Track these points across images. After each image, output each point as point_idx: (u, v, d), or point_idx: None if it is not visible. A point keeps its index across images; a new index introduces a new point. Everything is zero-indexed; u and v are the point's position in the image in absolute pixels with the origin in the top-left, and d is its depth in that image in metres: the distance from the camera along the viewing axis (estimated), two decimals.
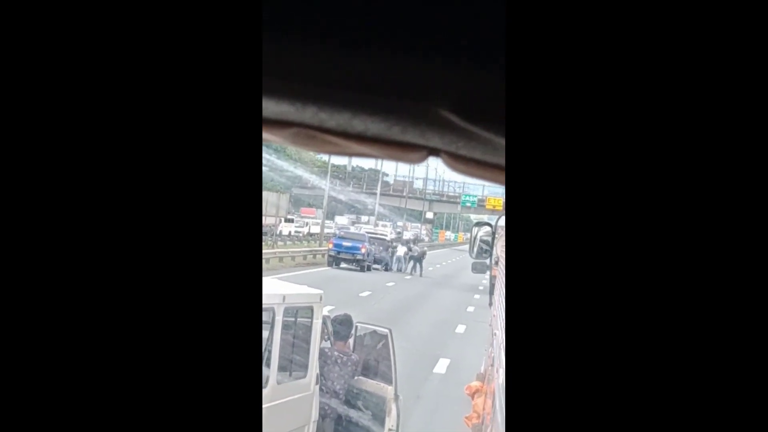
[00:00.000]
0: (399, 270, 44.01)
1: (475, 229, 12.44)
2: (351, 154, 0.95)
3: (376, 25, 0.81)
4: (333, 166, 66.47)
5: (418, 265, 43.56)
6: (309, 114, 0.88)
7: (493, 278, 11.65)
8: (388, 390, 7.52)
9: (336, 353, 7.51)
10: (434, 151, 0.91)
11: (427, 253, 49.15)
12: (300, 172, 66.21)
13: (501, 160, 0.87)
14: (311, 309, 7.05)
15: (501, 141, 0.84)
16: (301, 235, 54.84)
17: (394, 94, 0.86)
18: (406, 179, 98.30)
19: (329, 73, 0.84)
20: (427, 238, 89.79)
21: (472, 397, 6.96)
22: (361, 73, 0.84)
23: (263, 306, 5.17)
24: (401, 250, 45.08)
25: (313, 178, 71.54)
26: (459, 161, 0.91)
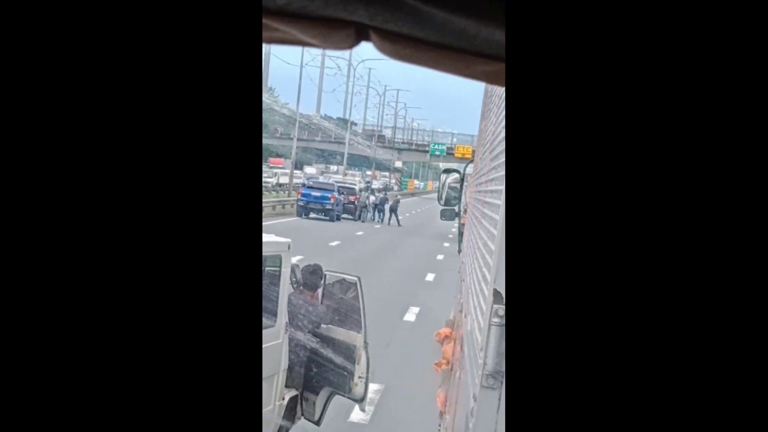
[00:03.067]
0: (372, 219, 44.32)
1: (443, 176, 12.45)
2: (275, 41, 0.89)
3: None
4: (301, 115, 66.22)
5: (393, 215, 43.90)
6: None
7: (461, 226, 11.68)
8: (358, 338, 7.53)
9: (304, 302, 7.50)
10: (362, 30, 0.86)
11: (401, 201, 49.57)
12: (267, 121, 65.96)
13: (430, 34, 0.81)
14: (279, 258, 7.02)
15: (428, 9, 0.80)
16: (269, 185, 54.79)
17: None
18: (375, 128, 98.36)
19: None
20: (396, 187, 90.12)
21: (442, 344, 6.99)
22: None
23: None
24: (369, 199, 45.44)
25: (280, 128, 71.32)
26: (388, 39, 0.85)
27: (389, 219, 43.48)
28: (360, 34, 0.85)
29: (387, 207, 45.22)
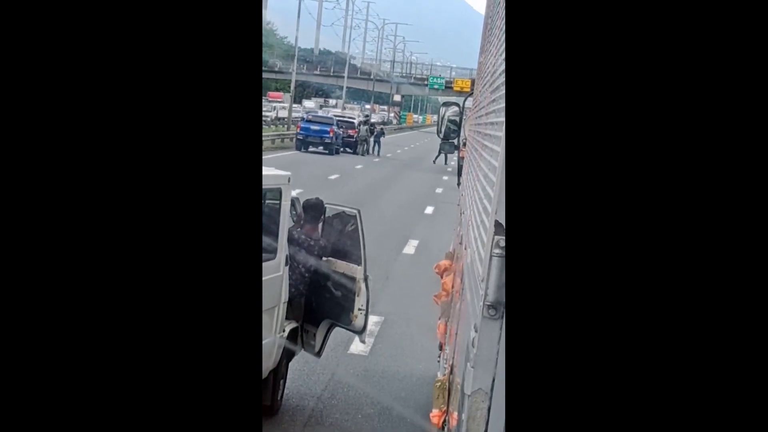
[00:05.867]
0: (367, 152, 44.33)
1: (442, 109, 12.36)
2: None
3: None
4: (300, 49, 65.61)
5: (376, 144, 44.21)
6: None
7: (460, 159, 11.63)
8: (358, 270, 7.55)
9: (304, 235, 7.52)
10: None
11: (386, 134, 49.84)
12: (266, 55, 65.41)
13: None
14: (279, 191, 7.02)
15: None
16: (268, 119, 54.49)
17: None
18: (374, 62, 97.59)
19: None
20: (395, 121, 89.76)
21: (441, 276, 7.02)
22: None
23: None
24: (364, 131, 45.56)
25: (279, 62, 70.72)
26: None
27: (377, 151, 44.34)
28: None
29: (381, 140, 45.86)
